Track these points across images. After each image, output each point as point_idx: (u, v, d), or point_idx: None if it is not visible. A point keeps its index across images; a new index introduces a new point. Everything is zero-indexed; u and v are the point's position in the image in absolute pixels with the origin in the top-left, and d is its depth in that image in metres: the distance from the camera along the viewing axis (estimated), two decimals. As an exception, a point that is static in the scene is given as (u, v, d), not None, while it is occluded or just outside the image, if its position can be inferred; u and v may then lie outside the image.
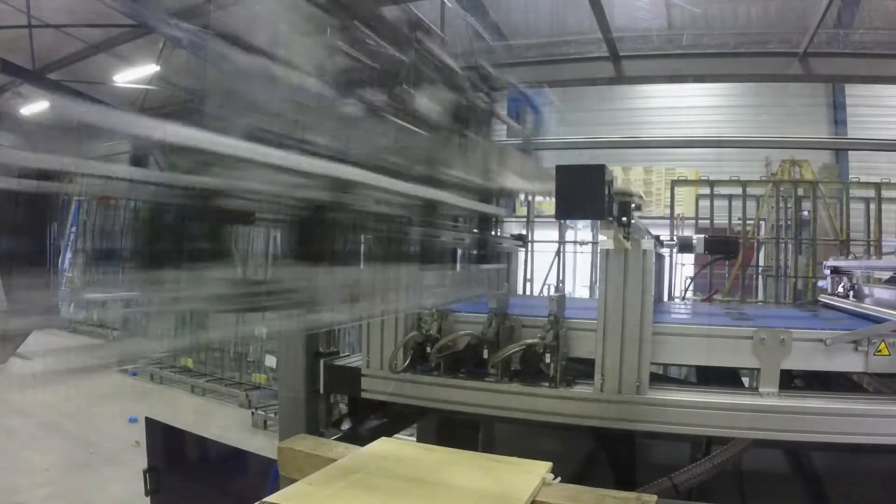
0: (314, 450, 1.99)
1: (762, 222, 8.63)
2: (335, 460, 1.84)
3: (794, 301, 7.30)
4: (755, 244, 8.34)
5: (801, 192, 8.15)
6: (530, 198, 8.61)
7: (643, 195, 1.92)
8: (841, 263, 4.88)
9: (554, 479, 1.74)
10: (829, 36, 6.50)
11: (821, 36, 6.32)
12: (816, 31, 6.09)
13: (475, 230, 1.92)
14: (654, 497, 1.70)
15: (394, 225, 1.27)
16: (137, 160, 1.07)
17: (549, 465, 1.81)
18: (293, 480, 1.71)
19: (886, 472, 2.32)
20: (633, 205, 1.82)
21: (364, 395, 2.40)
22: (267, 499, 1.53)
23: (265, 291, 1.15)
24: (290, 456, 2.01)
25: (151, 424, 3.69)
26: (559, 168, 1.62)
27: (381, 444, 2.01)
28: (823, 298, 4.03)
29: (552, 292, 4.41)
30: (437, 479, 1.71)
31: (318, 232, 1.18)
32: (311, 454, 1.96)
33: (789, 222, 8.16)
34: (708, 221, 8.06)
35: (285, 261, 1.19)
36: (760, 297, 8.31)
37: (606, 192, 1.63)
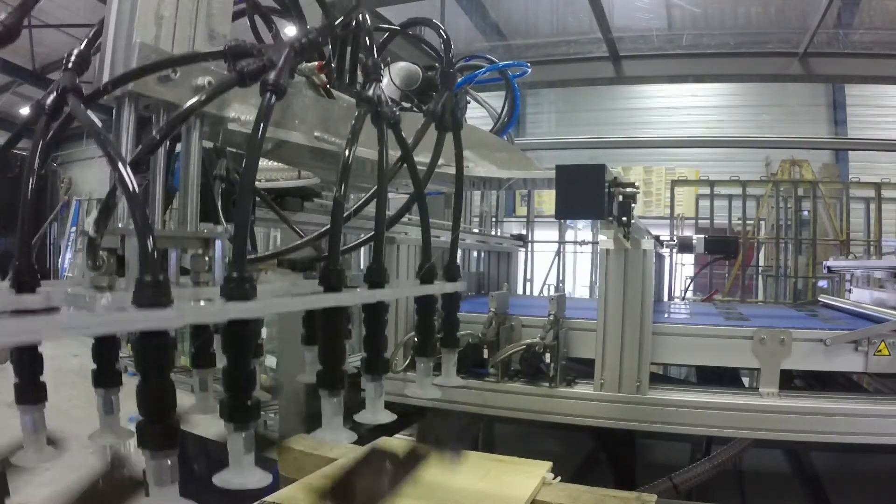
0: (314, 449, 1.99)
1: (762, 222, 8.63)
2: (335, 460, 1.84)
3: (794, 301, 7.30)
4: (755, 244, 8.34)
5: (801, 192, 8.15)
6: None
7: (637, 185, 1.90)
8: (841, 264, 4.88)
9: (554, 478, 1.74)
10: (829, 36, 6.50)
11: (821, 36, 6.32)
12: (816, 31, 6.10)
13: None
14: (654, 496, 1.70)
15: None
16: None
17: (548, 464, 1.81)
18: (293, 480, 1.71)
19: (886, 472, 2.32)
20: (630, 198, 1.81)
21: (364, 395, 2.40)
22: (267, 498, 1.52)
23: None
24: (290, 456, 2.00)
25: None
26: (559, 168, 1.62)
27: (381, 444, 2.01)
28: (823, 298, 4.04)
29: (552, 292, 4.42)
30: (437, 478, 1.71)
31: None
32: (312, 454, 1.96)
33: (789, 222, 8.16)
34: (708, 221, 8.06)
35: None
36: (760, 297, 8.31)
37: (606, 191, 1.64)
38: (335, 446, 2.05)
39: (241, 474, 0.86)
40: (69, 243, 15.13)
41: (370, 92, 1.09)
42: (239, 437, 0.86)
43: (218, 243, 0.99)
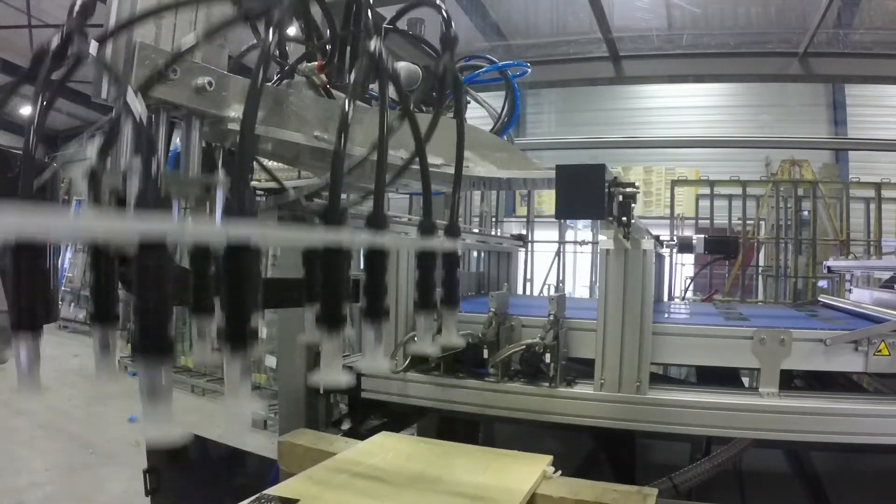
0: (314, 444, 1.99)
1: (762, 222, 8.64)
2: (335, 454, 1.84)
3: (794, 301, 7.30)
4: (755, 244, 8.35)
5: (801, 192, 8.16)
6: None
7: (637, 185, 1.91)
8: (841, 264, 4.88)
9: (554, 472, 1.74)
10: (829, 36, 6.50)
11: (821, 36, 6.32)
12: (816, 31, 6.10)
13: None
14: (655, 491, 1.71)
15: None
16: None
17: (549, 458, 1.81)
18: (293, 474, 1.71)
19: (886, 472, 2.32)
20: (630, 198, 1.81)
21: (364, 395, 2.40)
22: (266, 491, 1.52)
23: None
24: (290, 450, 2.01)
25: (151, 424, 3.68)
26: (559, 168, 1.62)
27: (382, 438, 2.01)
28: (823, 298, 4.04)
29: (552, 292, 4.41)
30: (438, 472, 1.71)
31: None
32: (311, 448, 1.96)
33: (789, 222, 8.17)
34: (708, 221, 8.07)
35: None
36: (760, 297, 8.32)
37: (606, 191, 1.64)
38: (335, 440, 2.05)
39: (237, 401, 0.85)
40: (69, 243, 15.13)
41: (371, 46, 1.09)
42: (235, 364, 0.84)
43: (219, 199, 0.99)
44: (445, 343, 1.37)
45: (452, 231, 1.32)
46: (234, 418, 0.87)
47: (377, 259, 1.10)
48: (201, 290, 1.12)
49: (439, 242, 1.26)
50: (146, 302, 0.76)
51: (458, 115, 1.38)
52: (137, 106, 0.78)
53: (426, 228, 1.24)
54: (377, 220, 1.08)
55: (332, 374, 1.00)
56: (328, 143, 1.23)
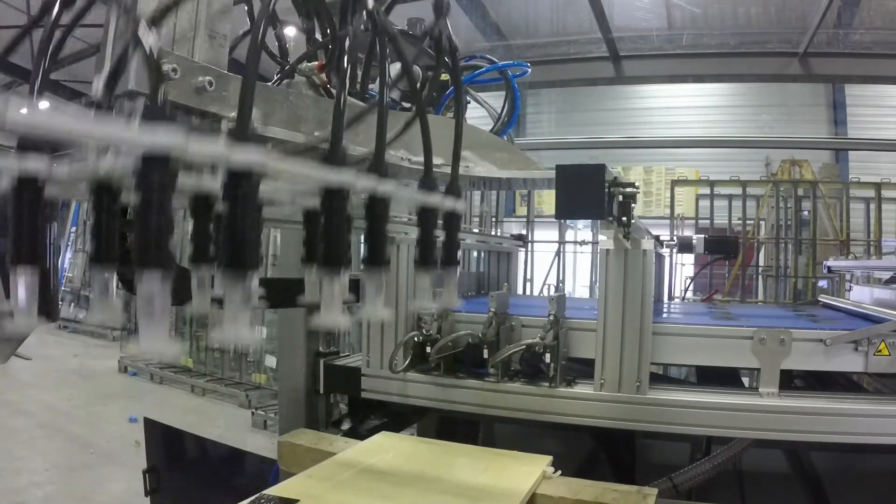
0: (314, 444, 1.99)
1: (762, 222, 8.64)
2: (335, 454, 1.84)
3: (794, 301, 7.31)
4: (755, 244, 8.35)
5: (801, 192, 8.16)
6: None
7: (637, 185, 1.91)
8: (841, 264, 4.88)
9: (554, 472, 1.75)
10: (829, 36, 6.52)
11: (821, 36, 6.34)
12: (816, 31, 6.11)
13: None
14: (655, 490, 1.71)
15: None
16: None
17: (549, 458, 1.81)
18: (292, 474, 1.71)
19: (886, 472, 2.32)
20: (630, 198, 1.81)
21: (364, 395, 2.40)
22: (266, 491, 1.52)
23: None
24: (290, 450, 2.01)
25: (150, 425, 3.69)
26: (559, 168, 1.62)
27: (382, 438, 2.01)
28: (823, 298, 4.04)
29: (552, 292, 4.41)
30: (438, 472, 1.71)
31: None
32: (312, 448, 1.96)
33: (789, 222, 8.17)
34: (708, 221, 8.07)
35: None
36: (760, 297, 8.32)
37: (606, 191, 1.64)
38: (335, 440, 2.06)
39: (237, 328, 0.84)
40: (69, 243, 15.14)
41: (370, 4, 1.08)
42: (236, 290, 0.83)
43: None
44: (446, 303, 1.37)
45: (454, 190, 1.31)
46: (233, 341, 0.86)
47: (378, 207, 1.09)
48: (201, 239, 1.10)
49: (440, 199, 1.25)
50: (147, 216, 0.75)
51: (456, 80, 1.38)
52: (149, 38, 0.78)
53: (427, 186, 1.24)
54: (378, 167, 1.07)
55: (331, 315, 0.99)
56: (328, 144, 1.23)
